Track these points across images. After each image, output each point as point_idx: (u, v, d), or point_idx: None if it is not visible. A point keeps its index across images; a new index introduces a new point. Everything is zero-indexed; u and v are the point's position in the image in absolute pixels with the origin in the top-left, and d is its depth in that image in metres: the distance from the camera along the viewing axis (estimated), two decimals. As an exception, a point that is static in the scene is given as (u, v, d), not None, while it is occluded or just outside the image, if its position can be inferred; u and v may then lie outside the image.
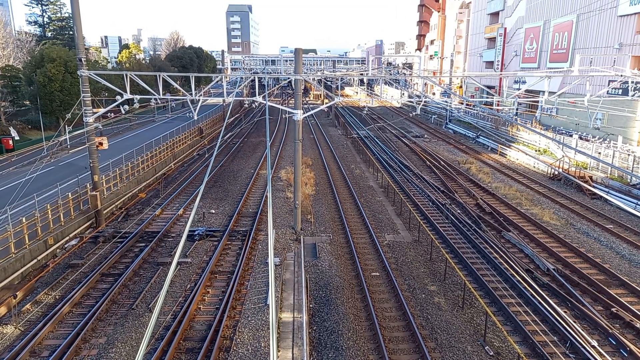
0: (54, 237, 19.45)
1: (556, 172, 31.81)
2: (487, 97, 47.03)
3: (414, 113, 30.10)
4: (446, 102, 51.22)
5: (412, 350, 13.32)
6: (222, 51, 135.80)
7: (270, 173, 32.95)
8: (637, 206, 24.52)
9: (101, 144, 22.66)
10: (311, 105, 78.22)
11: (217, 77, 24.34)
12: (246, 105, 80.00)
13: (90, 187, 22.53)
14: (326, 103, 53.61)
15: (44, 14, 72.98)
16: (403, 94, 78.12)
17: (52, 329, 13.87)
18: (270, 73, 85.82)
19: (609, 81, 33.37)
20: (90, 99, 21.71)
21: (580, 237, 21.68)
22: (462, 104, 53.79)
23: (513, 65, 54.56)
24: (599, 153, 31.57)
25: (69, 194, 21.63)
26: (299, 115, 20.47)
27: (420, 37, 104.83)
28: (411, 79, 61.56)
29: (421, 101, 26.55)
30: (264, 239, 20.83)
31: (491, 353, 13.10)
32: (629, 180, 27.67)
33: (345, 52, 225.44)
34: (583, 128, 37.33)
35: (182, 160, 38.17)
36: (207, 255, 19.21)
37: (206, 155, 40.14)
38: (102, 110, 25.73)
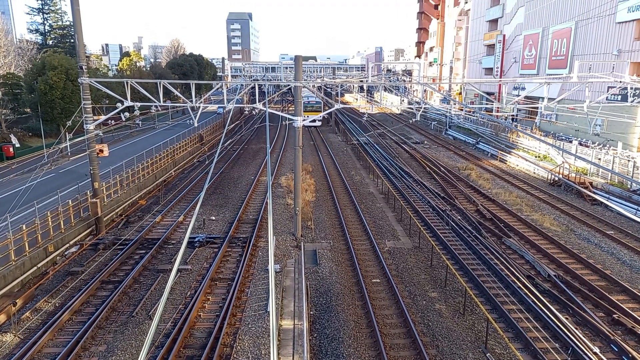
0: (54, 245, 19.42)
1: (556, 178, 31.82)
2: (487, 104, 47.19)
3: (413, 119, 30.19)
4: (446, 108, 51.35)
5: (414, 357, 13.26)
6: (223, 58, 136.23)
7: (271, 180, 33.02)
8: (638, 212, 24.49)
9: (102, 151, 22.72)
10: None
11: (218, 84, 24.43)
12: (246, 112, 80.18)
13: (91, 194, 22.54)
14: (326, 110, 53.59)
15: (45, 22, 73.38)
16: (403, 100, 78.35)
17: (52, 336, 13.82)
18: (270, 80, 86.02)
19: (608, 87, 33.50)
20: (90, 106, 21.78)
21: (581, 243, 21.65)
22: (461, 110, 53.94)
23: (512, 71, 54.75)
24: (599, 159, 31.59)
25: (69, 201, 21.62)
26: (299, 122, 20.52)
27: (420, 44, 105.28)
28: (411, 86, 61.70)
29: (421, 108, 26.63)
30: (264, 246, 20.80)
31: (493, 360, 13.04)
32: (629, 186, 27.67)
33: (345, 59, 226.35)
34: (583, 134, 37.39)
35: (182, 167, 38.20)
36: (207, 262, 19.18)
37: (206, 162, 40.18)
38: (102, 118, 25.80)
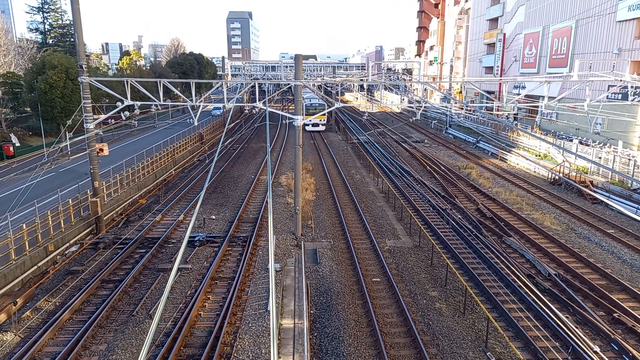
0: (55, 244, 19.43)
1: (557, 177, 31.80)
2: (487, 103, 47.17)
3: (414, 118, 30.20)
4: (446, 107, 51.31)
5: (414, 356, 13.26)
6: (223, 57, 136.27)
7: (271, 178, 33.02)
8: (638, 211, 24.47)
9: (102, 150, 22.70)
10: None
11: (218, 83, 24.42)
12: (246, 111, 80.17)
13: (91, 194, 22.54)
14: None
15: (45, 21, 73.35)
16: (403, 99, 78.28)
17: (52, 336, 13.82)
18: (271, 79, 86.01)
19: (609, 86, 33.47)
20: (91, 105, 21.77)
21: (582, 242, 21.63)
22: (461, 109, 53.90)
23: (512, 70, 54.70)
24: (600, 158, 31.58)
25: (70, 200, 21.62)
26: (300, 120, 20.51)
27: (420, 42, 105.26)
28: (411, 85, 61.68)
29: (421, 106, 26.61)
30: (264, 245, 20.80)
31: (493, 359, 13.04)
32: (629, 185, 27.65)
33: (345, 58, 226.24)
34: (583, 133, 37.38)
35: (182, 166, 38.19)
36: (207, 261, 19.18)
37: (206, 161, 40.17)
38: (102, 117, 25.80)
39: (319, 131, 59.60)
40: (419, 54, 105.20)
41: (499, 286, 17.11)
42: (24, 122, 47.87)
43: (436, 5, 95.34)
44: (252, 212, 25.89)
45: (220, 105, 51.24)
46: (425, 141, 51.36)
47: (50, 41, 73.11)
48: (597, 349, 12.88)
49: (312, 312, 15.39)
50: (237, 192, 30.10)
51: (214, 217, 24.84)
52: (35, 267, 18.04)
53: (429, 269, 18.99)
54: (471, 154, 43.00)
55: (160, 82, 22.58)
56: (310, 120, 56.21)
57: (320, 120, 58.90)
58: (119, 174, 26.77)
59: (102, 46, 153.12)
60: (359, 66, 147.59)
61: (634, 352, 12.85)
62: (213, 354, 12.61)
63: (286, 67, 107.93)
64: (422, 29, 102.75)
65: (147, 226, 22.97)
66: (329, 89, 72.26)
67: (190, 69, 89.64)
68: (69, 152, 34.42)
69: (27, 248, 17.96)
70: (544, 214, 25.05)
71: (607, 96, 32.46)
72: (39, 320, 14.74)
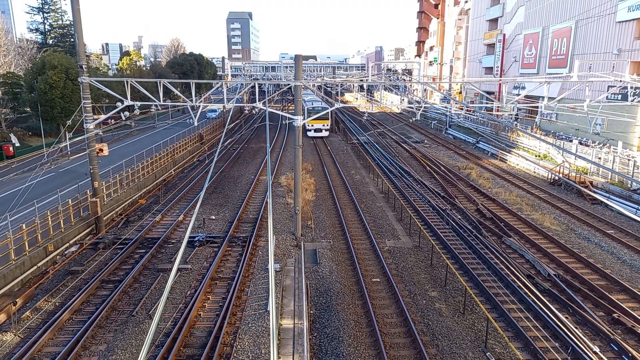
0: (54, 244, 19.42)
1: (556, 178, 31.81)
2: (487, 103, 47.21)
3: (413, 119, 30.21)
4: (446, 107, 51.34)
5: (414, 356, 13.26)
6: (223, 58, 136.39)
7: (271, 179, 32.98)
8: (638, 211, 24.48)
9: (101, 150, 22.70)
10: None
11: (218, 83, 24.44)
12: (246, 112, 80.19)
13: (91, 194, 22.54)
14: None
15: (45, 21, 73.37)
16: (403, 99, 78.32)
17: (52, 336, 13.82)
18: (271, 79, 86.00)
19: (608, 86, 33.49)
20: (90, 105, 21.77)
21: (581, 242, 21.64)
22: (461, 109, 53.93)
23: (512, 71, 54.72)
24: (599, 158, 31.60)
25: (69, 200, 21.62)
26: (299, 121, 20.52)
27: (420, 43, 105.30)
28: (411, 85, 61.67)
29: (421, 107, 26.63)
30: (264, 245, 20.80)
31: (492, 359, 13.04)
32: (629, 186, 27.66)
33: (345, 59, 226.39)
34: (583, 133, 37.39)
35: (182, 167, 38.19)
36: (207, 261, 19.18)
37: (206, 161, 40.17)
38: (102, 117, 25.80)
39: (322, 137, 55.65)
40: (418, 55, 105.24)
41: (498, 286, 17.11)
42: (24, 122, 47.87)
43: (436, 6, 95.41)
44: (251, 213, 25.89)
45: (216, 106, 51.31)
46: (425, 142, 51.36)
47: (50, 41, 73.12)
48: (597, 350, 12.88)
49: (311, 312, 15.39)
50: (237, 192, 30.10)
51: (213, 217, 24.84)
52: (35, 267, 18.04)
53: (428, 269, 19.00)
54: (471, 155, 43.00)
55: (160, 82, 22.59)
56: (312, 125, 54.30)
57: (324, 125, 55.36)
58: (119, 174, 26.77)
59: (102, 46, 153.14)
60: (358, 67, 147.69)
61: (634, 352, 12.86)
62: (213, 354, 12.62)
63: (286, 67, 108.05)
64: (422, 29, 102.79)
65: (147, 226, 22.97)
66: (329, 89, 72.25)
67: (190, 69, 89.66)
68: (69, 153, 34.42)
69: (27, 248, 17.96)
70: (543, 215, 25.05)
71: (607, 97, 32.48)
72: (38, 321, 14.73)
